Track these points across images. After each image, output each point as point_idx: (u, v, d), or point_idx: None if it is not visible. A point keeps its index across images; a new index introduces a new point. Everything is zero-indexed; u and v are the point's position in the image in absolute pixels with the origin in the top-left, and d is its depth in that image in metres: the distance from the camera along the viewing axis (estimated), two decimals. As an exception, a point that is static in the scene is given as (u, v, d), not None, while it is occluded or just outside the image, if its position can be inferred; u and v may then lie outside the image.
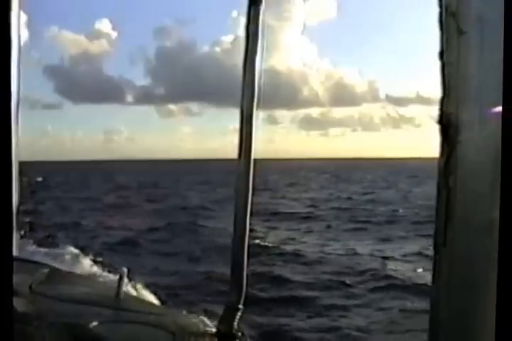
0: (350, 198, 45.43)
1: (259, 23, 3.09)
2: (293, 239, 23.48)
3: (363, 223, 28.94)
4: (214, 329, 2.96)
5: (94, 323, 2.70)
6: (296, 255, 19.32)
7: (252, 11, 3.05)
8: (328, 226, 28.02)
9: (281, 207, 38.57)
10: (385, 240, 23.07)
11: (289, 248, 20.94)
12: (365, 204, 39.83)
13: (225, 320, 2.97)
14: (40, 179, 61.97)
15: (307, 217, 32.06)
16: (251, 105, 3.04)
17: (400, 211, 34.66)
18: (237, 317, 2.98)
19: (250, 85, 3.05)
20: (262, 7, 3.08)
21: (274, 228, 26.58)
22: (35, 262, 6.33)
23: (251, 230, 3.01)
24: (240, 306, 3.01)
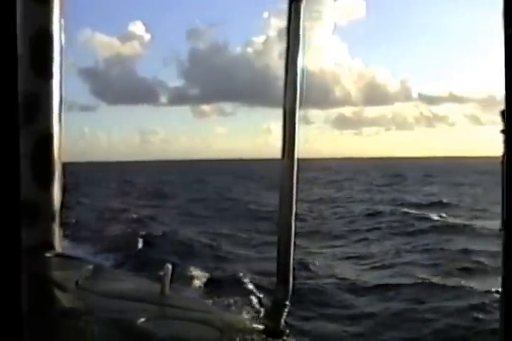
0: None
1: (301, 20, 3.06)
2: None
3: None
4: (261, 326, 2.96)
5: (142, 319, 2.73)
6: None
7: (292, 8, 3.03)
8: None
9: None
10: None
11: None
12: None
13: (272, 317, 2.98)
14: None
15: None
16: (293, 105, 3.04)
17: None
18: (285, 313, 2.98)
19: (292, 84, 3.05)
20: (303, 3, 3.05)
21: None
22: (79, 258, 6.44)
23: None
24: (287, 302, 3.01)
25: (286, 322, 2.96)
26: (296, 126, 3.07)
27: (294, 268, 3.02)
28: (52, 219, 5.45)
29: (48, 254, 5.15)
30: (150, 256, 17.71)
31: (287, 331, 2.95)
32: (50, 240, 5.42)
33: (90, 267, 3.83)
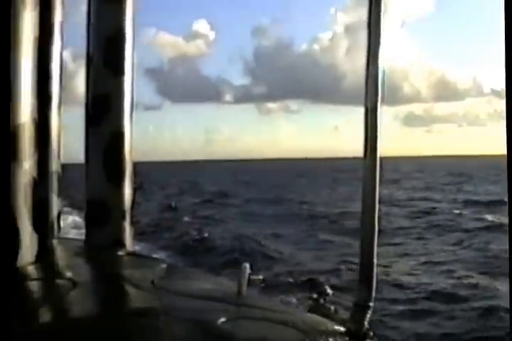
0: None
1: (381, 13, 2.94)
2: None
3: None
4: (343, 328, 2.87)
5: (222, 320, 2.69)
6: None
7: (373, 0, 2.92)
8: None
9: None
10: None
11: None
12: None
13: (355, 319, 2.87)
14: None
15: None
16: (375, 102, 2.92)
17: None
18: (368, 315, 2.87)
19: (374, 81, 2.93)
20: None
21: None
22: (151, 257, 6.50)
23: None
24: (371, 304, 2.90)
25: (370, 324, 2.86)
26: (378, 123, 2.95)
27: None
28: (123, 217, 5.51)
29: (120, 253, 5.21)
30: (212, 259, 17.77)
31: (371, 333, 2.85)
32: (122, 239, 5.48)
33: (164, 266, 3.83)
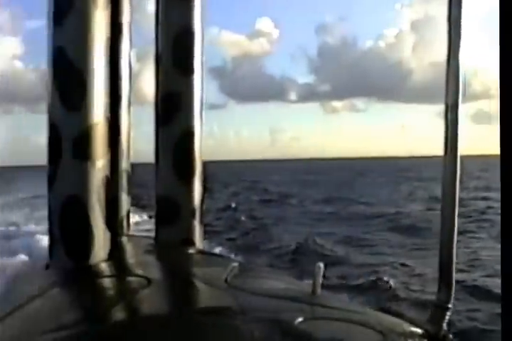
0: None
1: (462, 8, 2.84)
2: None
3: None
4: (421, 330, 2.79)
5: (300, 319, 2.65)
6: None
7: None
8: None
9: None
10: None
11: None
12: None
13: (433, 321, 2.79)
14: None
15: None
16: (456, 99, 2.83)
17: None
18: (447, 317, 2.79)
19: (454, 78, 2.83)
20: None
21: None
22: (221, 256, 6.54)
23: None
24: (450, 305, 2.81)
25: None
26: (459, 121, 2.85)
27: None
28: (193, 216, 5.54)
29: (190, 251, 5.24)
30: (269, 259, 17.67)
31: (450, 336, 2.76)
32: (191, 237, 5.52)
33: (236, 264, 3.82)
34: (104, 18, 4.52)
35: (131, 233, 6.66)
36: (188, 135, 5.53)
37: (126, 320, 2.93)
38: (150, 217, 21.56)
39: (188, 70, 5.57)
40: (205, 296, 3.44)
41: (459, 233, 2.81)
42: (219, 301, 3.15)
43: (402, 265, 15.98)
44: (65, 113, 4.38)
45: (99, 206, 4.42)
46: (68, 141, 4.34)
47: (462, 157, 2.94)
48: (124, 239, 5.98)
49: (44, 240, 16.18)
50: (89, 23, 4.41)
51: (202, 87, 5.68)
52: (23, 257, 13.33)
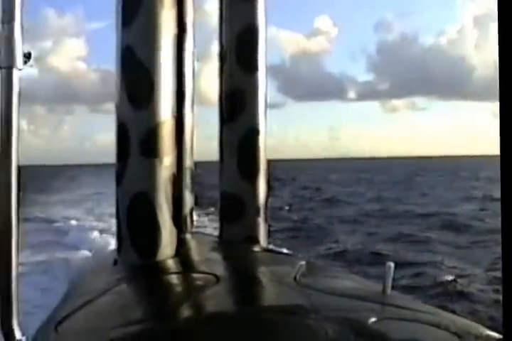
0: None
1: None
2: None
3: None
4: (497, 335, 2.71)
5: (373, 319, 2.62)
6: None
7: None
8: None
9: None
10: None
11: None
12: None
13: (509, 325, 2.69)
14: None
15: None
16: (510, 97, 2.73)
17: None
18: None
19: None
20: None
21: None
22: (286, 254, 6.53)
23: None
24: None
25: None
26: None
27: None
28: (258, 213, 5.56)
29: (255, 249, 5.26)
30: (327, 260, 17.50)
31: None
32: (256, 235, 5.55)
33: (303, 263, 3.81)
34: (171, 17, 4.59)
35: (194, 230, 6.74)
36: (253, 133, 5.56)
37: (197, 318, 2.95)
38: (207, 214, 21.80)
39: (252, 68, 5.59)
40: (275, 294, 3.42)
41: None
42: (289, 299, 3.13)
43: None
44: (133, 111, 4.46)
45: (166, 203, 4.49)
46: (136, 139, 4.42)
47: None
48: (189, 236, 6.05)
49: (101, 236, 16.63)
50: (157, 22, 4.48)
51: (266, 84, 5.70)
52: (85, 252, 13.72)
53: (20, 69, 2.50)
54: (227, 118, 5.66)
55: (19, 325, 2.37)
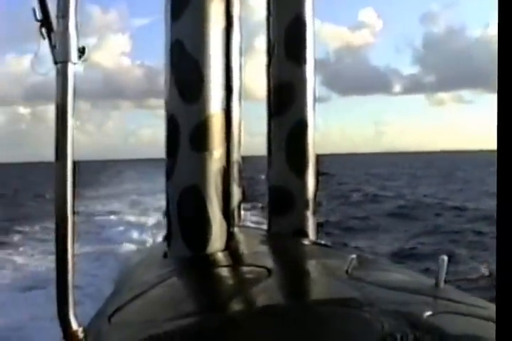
0: None
1: None
2: None
3: None
4: None
5: (428, 313, 2.59)
6: None
7: None
8: None
9: None
10: None
11: None
12: None
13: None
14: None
15: None
16: None
17: None
18: None
19: None
20: None
21: None
22: (338, 248, 6.49)
23: None
24: None
25: None
26: None
27: None
28: (307, 207, 5.57)
29: (305, 242, 5.26)
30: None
31: None
32: (304, 228, 5.55)
33: (354, 256, 3.79)
34: (219, 10, 4.60)
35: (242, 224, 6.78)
36: (302, 125, 5.57)
37: (249, 311, 2.94)
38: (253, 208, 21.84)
39: (301, 60, 5.59)
40: (328, 288, 3.39)
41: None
42: (342, 293, 3.10)
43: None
44: (183, 105, 4.49)
45: (216, 196, 4.51)
46: (186, 133, 4.45)
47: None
48: (237, 229, 6.08)
49: (144, 231, 16.82)
50: (206, 16, 4.50)
51: (315, 77, 5.69)
52: (128, 245, 13.87)
53: (75, 64, 2.54)
54: (275, 112, 5.67)
55: (76, 316, 2.41)
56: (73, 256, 2.46)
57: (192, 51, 4.47)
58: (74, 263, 2.47)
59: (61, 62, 2.51)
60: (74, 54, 2.53)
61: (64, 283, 2.41)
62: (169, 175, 4.65)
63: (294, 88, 5.54)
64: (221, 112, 4.58)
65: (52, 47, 2.52)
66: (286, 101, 5.58)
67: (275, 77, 5.71)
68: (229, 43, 6.02)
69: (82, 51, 2.59)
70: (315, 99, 5.70)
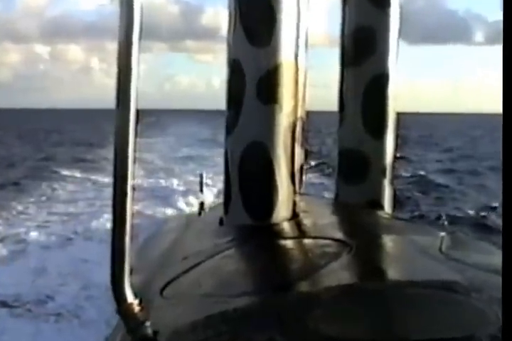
0: None
1: None
2: None
3: None
4: None
5: None
6: None
7: None
8: None
9: None
10: None
11: None
12: None
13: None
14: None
15: None
16: None
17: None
18: None
19: None
20: None
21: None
22: (422, 223, 6.32)
23: None
24: None
25: None
26: None
27: None
28: (383, 174, 5.48)
29: (381, 214, 5.14)
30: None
31: None
32: (380, 199, 5.48)
33: (444, 234, 3.68)
34: None
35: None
36: (381, 79, 5.42)
37: (326, 291, 2.78)
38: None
39: (384, 2, 5.40)
40: (424, 268, 3.23)
41: None
42: (442, 275, 2.99)
43: None
44: (251, 49, 4.39)
45: (285, 157, 4.44)
46: (253, 81, 4.36)
47: None
48: (298, 197, 6.00)
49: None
50: None
51: (400, 22, 5.48)
52: (171, 210, 14.05)
53: None
54: (351, 62, 5.52)
55: (131, 287, 2.38)
56: (132, 217, 2.37)
57: None
58: (132, 227, 2.40)
59: None
60: None
61: (120, 249, 2.35)
62: (230, 129, 4.57)
63: (374, 34, 5.39)
64: (294, 60, 4.48)
65: None
66: (364, 49, 5.42)
67: (352, 21, 5.53)
68: None
69: None
70: (398, 48, 5.51)
